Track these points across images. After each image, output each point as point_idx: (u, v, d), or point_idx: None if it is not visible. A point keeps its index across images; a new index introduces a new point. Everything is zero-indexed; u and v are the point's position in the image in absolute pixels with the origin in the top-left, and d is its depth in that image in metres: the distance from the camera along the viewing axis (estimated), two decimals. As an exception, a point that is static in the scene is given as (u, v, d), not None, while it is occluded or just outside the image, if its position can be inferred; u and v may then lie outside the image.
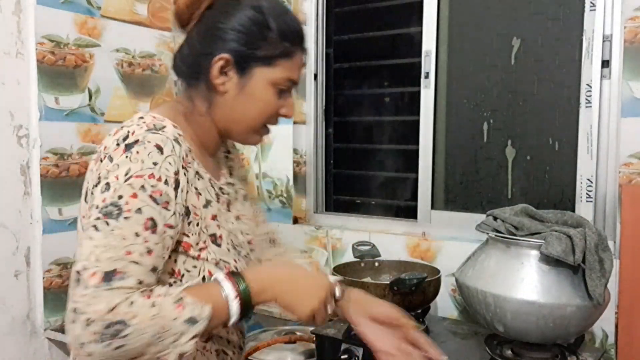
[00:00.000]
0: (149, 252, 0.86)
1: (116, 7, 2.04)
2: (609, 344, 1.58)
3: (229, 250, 1.03)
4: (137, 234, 0.85)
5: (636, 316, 1.51)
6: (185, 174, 0.94)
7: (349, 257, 1.92)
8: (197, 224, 0.97)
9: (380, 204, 2.16)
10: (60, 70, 1.88)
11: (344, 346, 1.52)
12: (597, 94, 1.63)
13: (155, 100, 2.18)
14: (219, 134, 1.07)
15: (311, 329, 1.60)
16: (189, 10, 1.03)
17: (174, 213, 0.90)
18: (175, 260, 0.95)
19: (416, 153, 2.01)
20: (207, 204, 1.00)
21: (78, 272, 0.83)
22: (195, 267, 0.97)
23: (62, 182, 1.90)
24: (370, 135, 2.19)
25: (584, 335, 1.56)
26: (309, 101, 2.21)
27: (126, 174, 0.88)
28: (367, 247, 1.87)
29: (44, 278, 1.86)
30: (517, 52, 1.83)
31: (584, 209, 1.66)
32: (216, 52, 1.00)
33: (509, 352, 1.49)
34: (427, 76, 1.96)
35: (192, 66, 1.04)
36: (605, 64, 1.62)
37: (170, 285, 0.94)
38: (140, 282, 0.85)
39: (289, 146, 2.15)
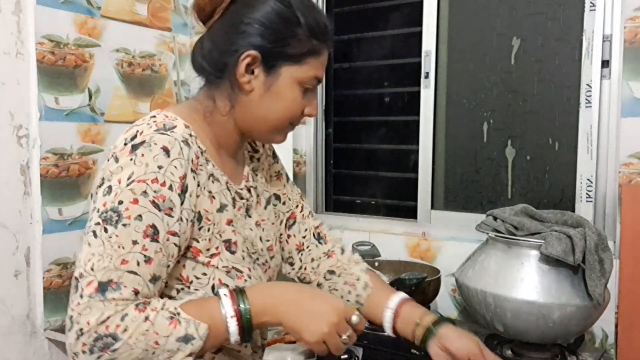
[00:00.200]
0: (148, 260, 0.83)
1: (116, 7, 2.04)
2: (609, 344, 1.58)
3: (243, 258, 0.98)
4: (135, 242, 0.82)
5: (636, 316, 1.51)
6: (195, 177, 0.90)
7: (349, 257, 1.92)
8: (209, 229, 0.93)
9: (380, 204, 2.16)
10: (60, 70, 1.88)
11: (344, 346, 1.52)
12: (597, 94, 1.63)
13: (155, 100, 2.18)
14: (239, 134, 1.02)
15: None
16: (212, 4, 0.96)
17: (179, 219, 0.87)
18: (184, 266, 0.92)
19: (416, 153, 2.01)
20: (222, 208, 0.95)
21: (76, 279, 0.81)
22: (205, 274, 0.93)
23: (62, 182, 1.90)
24: (370, 135, 2.19)
25: (583, 335, 1.56)
26: (309, 101, 2.21)
27: (129, 178, 0.84)
28: (367, 247, 1.87)
29: (43, 278, 1.86)
30: (517, 52, 1.83)
31: (584, 209, 1.66)
32: (242, 48, 0.94)
33: (509, 352, 1.49)
34: (427, 76, 1.96)
35: (215, 63, 0.97)
36: (605, 64, 1.62)
37: (179, 291, 0.92)
38: (137, 293, 0.82)
39: (289, 146, 2.15)
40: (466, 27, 1.94)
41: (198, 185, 0.91)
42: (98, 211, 0.84)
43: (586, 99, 1.65)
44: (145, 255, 0.83)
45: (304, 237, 1.20)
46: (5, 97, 1.78)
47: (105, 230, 0.82)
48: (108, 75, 2.02)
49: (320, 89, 2.22)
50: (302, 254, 1.20)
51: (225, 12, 0.96)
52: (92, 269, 0.80)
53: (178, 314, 0.82)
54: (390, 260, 1.86)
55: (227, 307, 0.86)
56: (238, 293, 0.88)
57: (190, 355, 0.82)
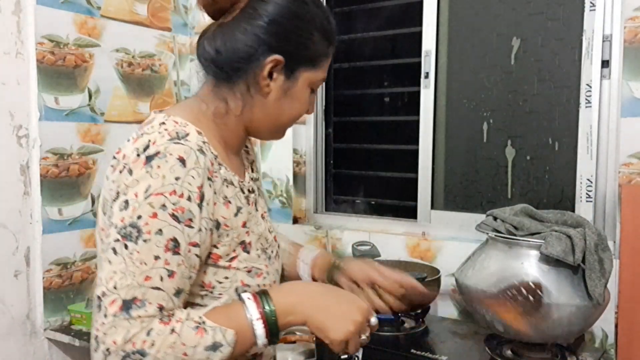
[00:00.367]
0: (171, 275, 0.82)
1: (116, 7, 2.04)
2: (608, 344, 1.58)
3: (259, 256, 0.97)
4: (157, 257, 0.81)
5: (636, 316, 1.51)
6: (210, 185, 0.88)
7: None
8: (228, 235, 0.92)
9: (380, 204, 2.16)
10: (60, 70, 1.88)
11: (344, 346, 1.52)
12: (597, 94, 1.63)
13: (155, 100, 2.18)
14: (245, 132, 1.01)
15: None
16: (231, 0, 0.93)
17: (199, 229, 0.85)
18: (205, 272, 0.91)
19: (416, 153, 2.01)
20: (238, 211, 0.94)
21: (99, 298, 0.80)
22: (227, 277, 0.92)
23: (62, 182, 1.90)
24: (370, 135, 2.19)
25: (583, 335, 1.56)
26: (309, 101, 2.21)
27: (146, 191, 0.82)
28: (367, 247, 1.87)
29: (43, 278, 1.86)
30: (517, 52, 1.83)
31: (583, 209, 1.66)
32: (266, 52, 0.92)
33: (509, 352, 1.49)
34: (427, 76, 1.96)
35: (230, 65, 0.93)
36: (605, 64, 1.62)
37: (203, 297, 0.91)
38: (162, 308, 0.81)
39: (289, 146, 2.15)
40: (466, 27, 1.94)
41: (214, 193, 0.89)
42: (116, 227, 0.83)
43: (586, 99, 1.65)
44: (168, 270, 0.82)
45: None
46: (5, 97, 1.78)
47: (126, 246, 0.81)
48: (108, 75, 2.02)
49: (321, 89, 2.22)
50: None
51: (245, 10, 0.93)
52: (114, 287, 0.80)
53: (203, 322, 0.82)
54: (390, 260, 1.86)
55: (252, 311, 0.86)
56: (261, 295, 0.88)
57: None
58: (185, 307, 0.87)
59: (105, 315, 0.79)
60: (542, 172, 1.81)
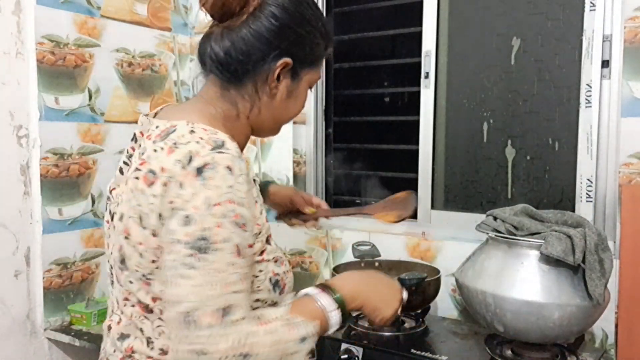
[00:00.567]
0: (243, 278, 0.87)
1: (116, 7, 2.04)
2: (609, 344, 1.58)
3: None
4: (230, 264, 0.85)
5: (636, 316, 1.51)
6: (251, 189, 0.91)
7: (349, 257, 1.92)
8: (260, 232, 0.96)
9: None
10: (60, 70, 1.88)
11: (343, 346, 1.52)
12: (597, 94, 1.63)
13: (155, 100, 2.18)
14: (250, 133, 1.05)
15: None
16: (239, 3, 0.93)
17: (251, 232, 0.91)
18: None
19: (416, 153, 2.01)
20: (262, 208, 0.99)
21: (186, 314, 0.82)
22: (261, 270, 0.96)
23: (62, 182, 1.90)
24: (370, 135, 2.19)
25: (583, 335, 1.56)
26: (309, 101, 2.21)
27: (206, 203, 0.85)
28: (367, 247, 1.87)
29: (43, 278, 1.86)
30: (517, 52, 1.83)
31: (584, 209, 1.66)
32: (276, 55, 0.95)
33: (509, 352, 1.49)
34: (427, 76, 1.96)
35: (238, 66, 0.95)
36: (605, 64, 1.62)
37: None
38: (248, 310, 0.87)
39: (289, 146, 2.15)
40: (466, 27, 1.94)
41: (255, 195, 0.95)
42: (183, 243, 0.84)
43: (586, 99, 1.65)
44: (240, 274, 0.87)
45: None
46: (5, 97, 1.78)
47: (200, 259, 0.84)
48: (108, 75, 2.02)
49: (321, 89, 2.22)
50: None
51: (254, 14, 0.94)
52: (202, 300, 0.83)
53: (292, 318, 0.91)
54: (390, 260, 1.86)
55: (326, 302, 0.96)
56: (327, 287, 0.98)
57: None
58: None
59: (201, 328, 0.82)
60: (542, 172, 1.81)
